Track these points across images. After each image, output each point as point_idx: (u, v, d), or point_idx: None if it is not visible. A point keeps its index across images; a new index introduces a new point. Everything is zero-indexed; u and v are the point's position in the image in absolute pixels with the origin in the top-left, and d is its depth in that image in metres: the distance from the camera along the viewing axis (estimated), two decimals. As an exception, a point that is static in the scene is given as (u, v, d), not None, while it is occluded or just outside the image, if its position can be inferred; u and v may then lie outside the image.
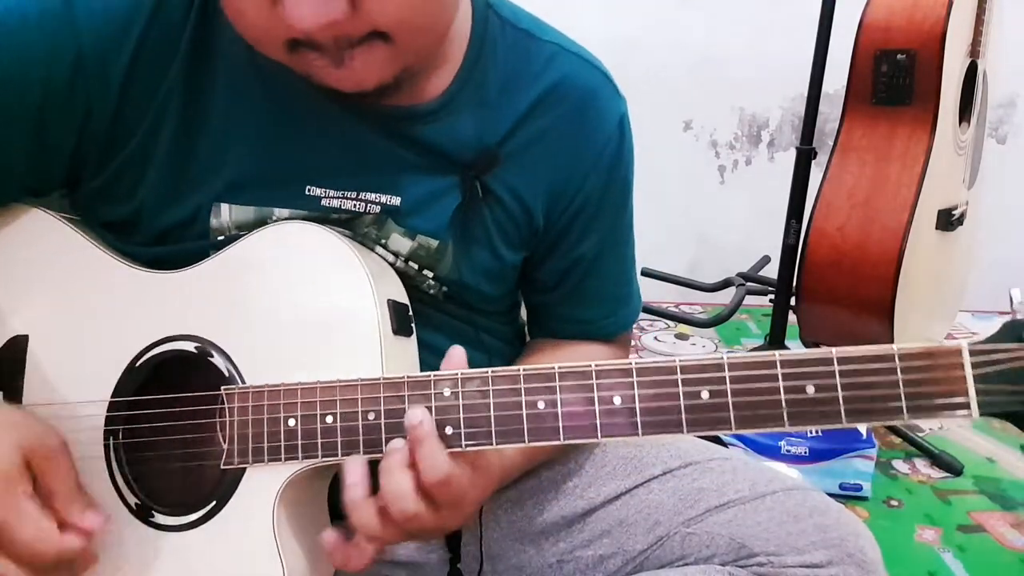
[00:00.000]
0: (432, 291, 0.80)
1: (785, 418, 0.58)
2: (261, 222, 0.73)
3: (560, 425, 0.62)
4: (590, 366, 0.62)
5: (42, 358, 0.73)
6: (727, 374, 0.59)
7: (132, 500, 0.71)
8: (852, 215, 1.70)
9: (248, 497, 0.68)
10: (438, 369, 0.67)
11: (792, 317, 1.90)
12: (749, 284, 2.29)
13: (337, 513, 0.73)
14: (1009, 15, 1.91)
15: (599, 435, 0.61)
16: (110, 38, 0.69)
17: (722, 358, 0.59)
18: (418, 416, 0.62)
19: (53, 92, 0.69)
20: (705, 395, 0.59)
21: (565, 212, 0.82)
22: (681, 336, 2.40)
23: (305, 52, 0.64)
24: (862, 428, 1.63)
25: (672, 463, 0.87)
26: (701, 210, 2.60)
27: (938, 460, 1.73)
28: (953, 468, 1.71)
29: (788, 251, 1.84)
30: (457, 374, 0.64)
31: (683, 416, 0.60)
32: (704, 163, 2.65)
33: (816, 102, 1.81)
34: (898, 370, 0.57)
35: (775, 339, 1.95)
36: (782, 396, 0.58)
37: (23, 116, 0.69)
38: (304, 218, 0.74)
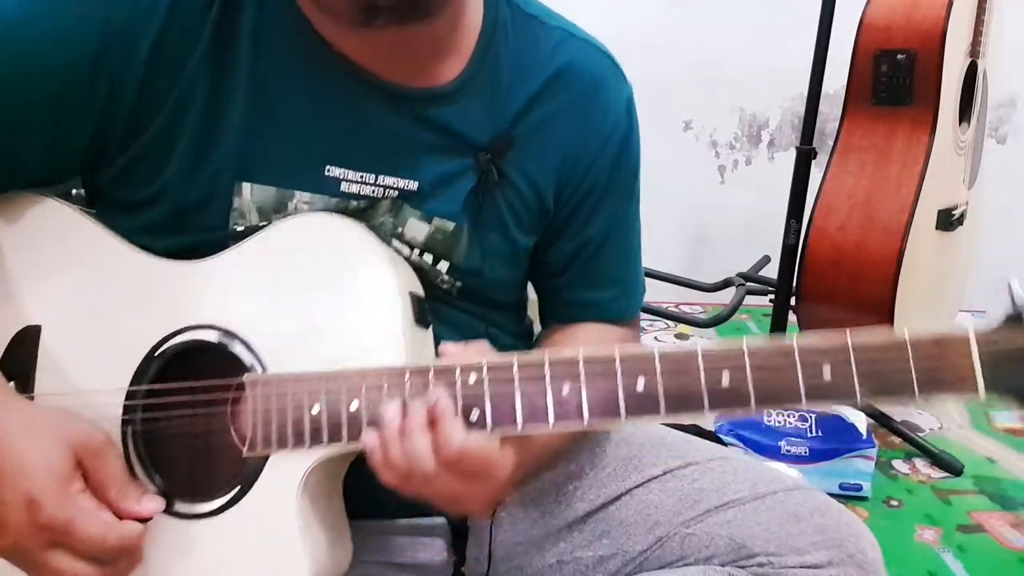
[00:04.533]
0: (446, 286, 0.80)
1: (803, 399, 0.61)
2: (282, 204, 0.74)
3: (585, 408, 0.63)
4: (614, 351, 0.64)
5: (56, 348, 0.72)
6: (747, 360, 0.62)
7: (152, 490, 0.70)
8: (852, 215, 1.70)
9: (271, 484, 0.68)
10: None
11: (792, 317, 1.90)
12: (749, 284, 2.29)
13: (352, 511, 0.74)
14: (1009, 15, 1.91)
15: (623, 416, 0.63)
16: (137, 17, 0.69)
17: (742, 344, 0.62)
18: (435, 396, 0.63)
19: (77, 71, 0.68)
20: (726, 379, 0.62)
21: (574, 194, 0.83)
22: (681, 336, 2.40)
23: None
24: (861, 427, 1.63)
25: (672, 463, 0.87)
26: (701, 210, 2.60)
27: (938, 460, 1.73)
28: (953, 468, 1.71)
29: (788, 251, 1.84)
30: (483, 361, 0.65)
31: (705, 398, 0.62)
32: (704, 163, 2.65)
33: (816, 102, 1.81)
34: (910, 357, 0.60)
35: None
36: (800, 380, 0.61)
37: (45, 97, 0.69)
38: (323, 203, 0.74)
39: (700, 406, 0.62)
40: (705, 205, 2.61)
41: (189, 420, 0.71)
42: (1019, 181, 2.47)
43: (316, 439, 0.66)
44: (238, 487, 0.69)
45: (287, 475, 0.68)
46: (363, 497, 0.75)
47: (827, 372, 0.61)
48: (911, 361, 0.60)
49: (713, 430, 1.67)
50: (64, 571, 0.63)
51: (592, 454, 0.89)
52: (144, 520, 0.66)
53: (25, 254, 0.74)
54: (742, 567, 0.80)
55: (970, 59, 1.76)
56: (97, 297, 0.73)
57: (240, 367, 0.69)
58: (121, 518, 0.65)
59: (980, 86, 1.85)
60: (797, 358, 0.61)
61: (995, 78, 1.94)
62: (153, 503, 0.67)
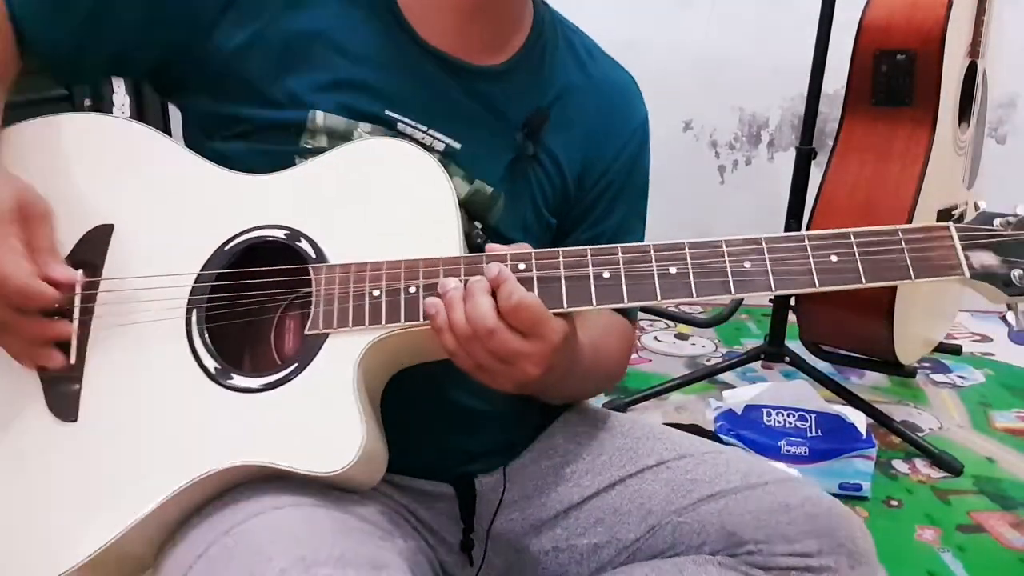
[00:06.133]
0: (479, 241, 0.85)
1: (816, 282, 0.70)
2: (348, 132, 0.80)
3: (624, 289, 0.72)
4: (648, 246, 0.73)
5: (127, 243, 0.78)
6: (765, 248, 0.72)
7: (211, 365, 0.74)
8: (852, 215, 1.70)
9: (330, 360, 0.72)
10: None
11: (792, 317, 1.90)
12: (749, 284, 2.29)
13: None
14: (1009, 15, 1.91)
15: (658, 296, 0.71)
16: None
17: (761, 237, 0.73)
18: (496, 268, 0.70)
19: None
20: (747, 264, 0.71)
21: (594, 187, 0.92)
22: (681, 336, 2.40)
23: None
24: (861, 427, 1.63)
25: (667, 455, 0.89)
26: (701, 210, 2.60)
27: (938, 460, 1.73)
28: (953, 468, 1.71)
29: (788, 251, 1.83)
30: (531, 251, 0.73)
31: (730, 281, 0.71)
32: (704, 163, 2.65)
33: (816, 102, 1.81)
34: (902, 242, 0.71)
35: (775, 339, 1.95)
36: (812, 264, 0.71)
37: None
38: (383, 135, 0.81)
39: (726, 288, 0.71)
40: (705, 205, 2.61)
41: (254, 303, 0.76)
42: (1019, 181, 2.47)
43: (375, 318, 0.72)
44: (296, 364, 0.73)
45: (345, 351, 0.72)
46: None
47: (834, 256, 0.71)
48: (903, 244, 0.71)
49: (713, 430, 1.68)
50: None
51: (590, 442, 0.92)
52: (57, 286, 0.71)
53: (102, 166, 0.80)
54: (732, 555, 0.81)
55: (970, 59, 1.76)
56: (170, 202, 0.79)
57: (305, 261, 0.75)
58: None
59: (980, 86, 1.85)
60: (808, 246, 0.71)
61: (995, 78, 1.94)
62: (69, 272, 0.72)
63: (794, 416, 1.66)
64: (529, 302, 0.69)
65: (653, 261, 0.72)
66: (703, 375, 2.02)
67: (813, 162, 1.85)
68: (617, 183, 0.93)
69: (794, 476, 0.87)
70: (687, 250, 0.72)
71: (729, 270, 0.71)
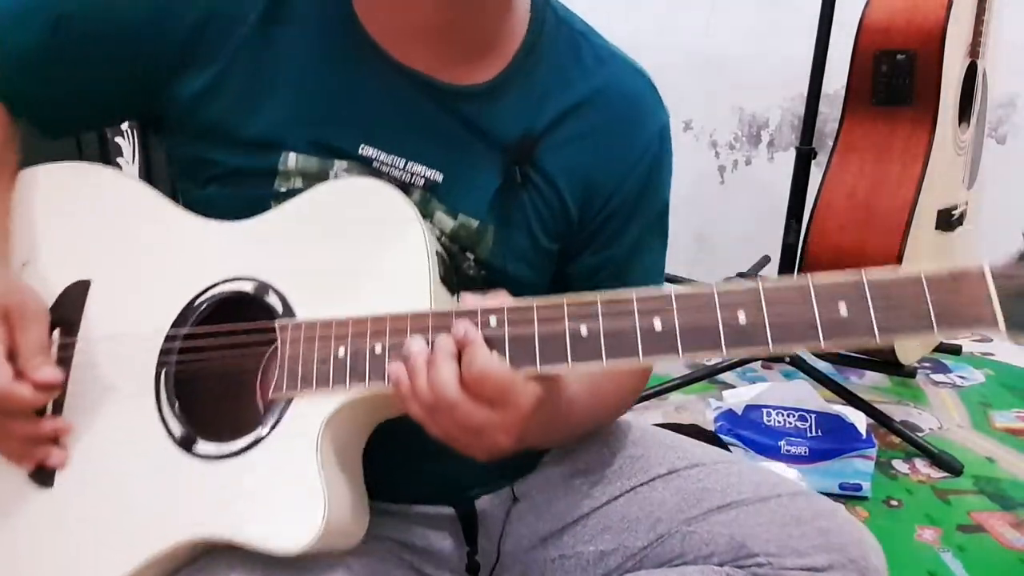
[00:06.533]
0: (471, 272, 0.81)
1: (821, 338, 0.60)
2: (323, 172, 0.77)
3: (603, 348, 0.64)
4: (631, 294, 0.64)
5: (103, 300, 0.77)
6: (762, 298, 0.62)
7: (177, 431, 0.71)
8: (852, 215, 1.70)
9: (294, 426, 0.69)
10: None
11: (792, 317, 1.90)
12: (749, 284, 2.29)
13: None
14: (1008, 15, 1.91)
15: (640, 355, 0.63)
16: None
17: (757, 284, 0.63)
18: (462, 328, 0.65)
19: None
20: (742, 317, 0.62)
21: (600, 212, 0.84)
22: (681, 336, 2.40)
23: None
24: (861, 427, 1.63)
25: (678, 464, 0.88)
26: (701, 210, 2.60)
27: (938, 460, 1.73)
28: (953, 468, 1.71)
29: (788, 251, 1.84)
30: (503, 306, 0.66)
31: (722, 337, 0.62)
32: (704, 163, 2.65)
33: (816, 102, 1.81)
34: (926, 292, 0.59)
35: (775, 339, 1.95)
36: (816, 318, 0.61)
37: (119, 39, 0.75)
38: (360, 172, 0.78)
39: (717, 345, 0.62)
40: (705, 205, 2.61)
41: (220, 363, 0.73)
42: (1019, 181, 2.47)
43: (339, 380, 0.68)
44: (260, 429, 0.70)
45: (309, 418, 0.68)
46: (380, 482, 0.77)
47: (843, 308, 0.60)
48: (927, 295, 0.59)
49: (713, 430, 1.68)
50: None
51: (600, 453, 0.90)
52: (41, 388, 0.70)
53: (81, 219, 0.79)
54: (741, 567, 0.80)
55: (970, 59, 1.76)
56: (146, 254, 0.78)
57: (273, 316, 0.72)
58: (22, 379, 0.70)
59: (980, 86, 1.85)
60: (813, 296, 0.61)
61: (995, 78, 1.95)
62: (51, 372, 0.71)
63: (794, 416, 1.66)
64: (492, 370, 0.63)
65: (636, 315, 0.64)
66: (703, 375, 2.02)
67: (813, 162, 1.85)
68: (630, 201, 0.85)
69: (807, 490, 0.85)
70: (674, 302, 0.64)
71: (721, 325, 0.62)
